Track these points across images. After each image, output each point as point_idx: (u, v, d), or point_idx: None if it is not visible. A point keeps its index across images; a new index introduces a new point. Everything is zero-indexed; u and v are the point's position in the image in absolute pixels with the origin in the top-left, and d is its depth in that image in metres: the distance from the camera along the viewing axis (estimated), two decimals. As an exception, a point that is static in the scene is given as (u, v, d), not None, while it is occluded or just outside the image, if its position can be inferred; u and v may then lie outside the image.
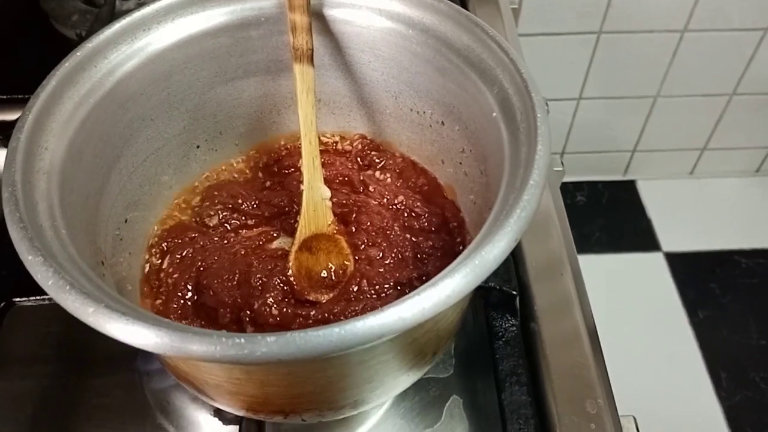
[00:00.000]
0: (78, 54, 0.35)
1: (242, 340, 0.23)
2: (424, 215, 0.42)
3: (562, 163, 0.62)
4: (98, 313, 0.24)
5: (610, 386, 0.41)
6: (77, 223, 0.32)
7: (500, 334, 0.42)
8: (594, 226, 1.62)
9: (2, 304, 0.41)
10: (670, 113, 1.57)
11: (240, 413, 0.34)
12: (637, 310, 1.47)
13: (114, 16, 0.63)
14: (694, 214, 1.66)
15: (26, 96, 0.57)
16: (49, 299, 0.41)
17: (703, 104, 1.55)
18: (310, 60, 0.39)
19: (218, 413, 0.42)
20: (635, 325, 1.43)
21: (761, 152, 1.68)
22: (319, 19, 0.41)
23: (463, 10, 0.38)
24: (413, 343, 0.31)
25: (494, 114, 0.34)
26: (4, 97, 0.58)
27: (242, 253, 0.40)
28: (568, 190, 1.69)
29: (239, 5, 0.40)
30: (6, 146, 0.51)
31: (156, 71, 0.38)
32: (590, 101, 1.54)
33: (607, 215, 1.65)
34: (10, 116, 0.56)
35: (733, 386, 1.35)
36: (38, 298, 0.42)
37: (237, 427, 0.40)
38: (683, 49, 1.43)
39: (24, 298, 0.42)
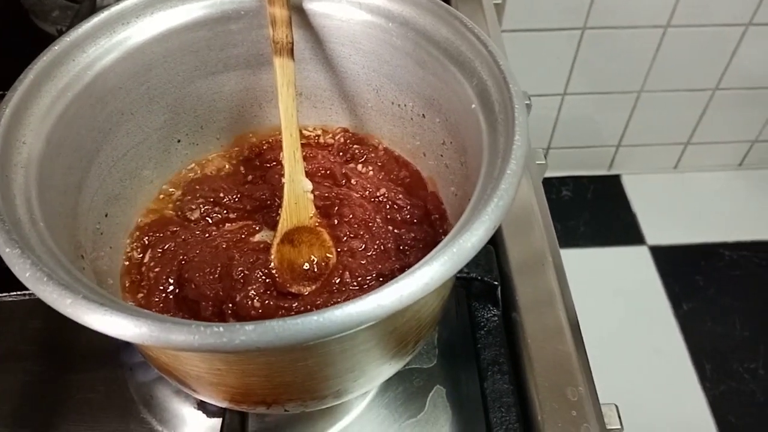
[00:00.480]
0: (56, 48, 0.35)
1: (221, 329, 0.23)
2: (406, 207, 0.42)
3: (545, 156, 0.62)
4: (76, 305, 0.24)
5: (591, 374, 0.41)
6: (56, 216, 0.32)
7: (482, 324, 0.42)
8: (579, 220, 1.64)
9: (-17, 300, 0.41)
10: (654, 108, 1.58)
11: (222, 405, 0.34)
12: (622, 303, 1.48)
13: (95, 11, 0.62)
14: (678, 207, 1.67)
15: (4, 92, 0.57)
16: (30, 294, 0.41)
17: (686, 99, 1.57)
18: (290, 53, 0.39)
19: (201, 406, 0.42)
20: (620, 317, 1.45)
21: (744, 146, 1.70)
22: (299, 12, 0.41)
23: (443, 3, 0.38)
24: (394, 331, 0.31)
25: (473, 105, 0.35)
26: (-16, 93, 0.58)
27: (224, 246, 0.40)
28: (554, 185, 1.71)
29: (219, -2, 0.40)
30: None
31: (135, 65, 0.38)
32: (575, 97, 1.55)
33: (593, 209, 1.67)
34: (-10, 112, 0.55)
35: (718, 377, 1.37)
36: (19, 293, 0.42)
37: (220, 419, 0.40)
38: (666, 45, 1.44)
39: (4, 294, 0.42)
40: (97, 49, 0.36)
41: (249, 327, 0.23)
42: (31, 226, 0.28)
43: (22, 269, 0.25)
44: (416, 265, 0.26)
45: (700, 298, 1.50)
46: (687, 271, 1.54)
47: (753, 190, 1.71)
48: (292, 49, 0.40)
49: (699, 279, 1.53)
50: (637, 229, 1.62)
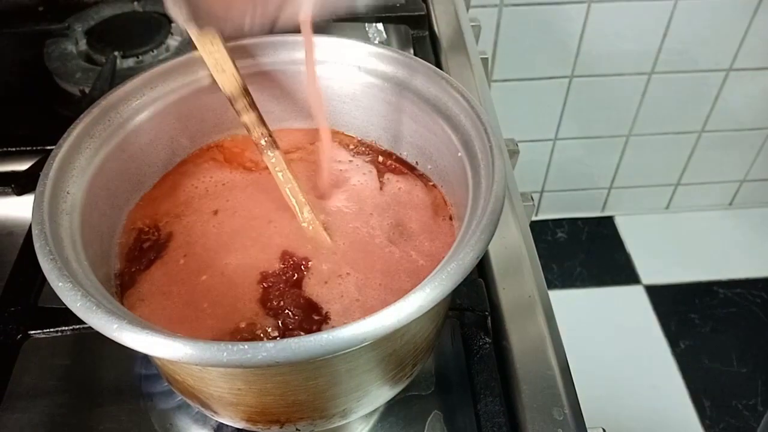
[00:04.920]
0: (94, 110, 0.40)
1: (246, 347, 0.27)
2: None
3: (531, 198, 0.67)
4: (122, 329, 0.28)
5: (577, 397, 0.45)
6: (94, 256, 0.36)
7: (475, 351, 0.46)
8: (575, 261, 1.67)
9: (19, 337, 0.45)
10: (643, 151, 1.63)
11: (240, 425, 0.38)
12: (619, 342, 1.50)
13: (115, 73, 0.68)
14: (671, 247, 1.71)
15: (34, 147, 0.62)
16: (61, 332, 0.45)
17: (674, 142, 1.62)
18: (273, 145, 0.43)
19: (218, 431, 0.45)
20: (618, 356, 1.46)
21: (733, 186, 1.74)
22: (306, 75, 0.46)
23: (432, 66, 0.43)
24: (393, 354, 0.35)
25: (459, 154, 0.40)
26: (14, 149, 0.63)
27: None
28: (549, 228, 1.75)
29: (234, 64, 0.45)
30: (17, 194, 0.56)
31: (161, 123, 0.43)
32: (566, 141, 1.61)
33: (588, 251, 1.70)
34: (20, 166, 0.60)
35: (717, 414, 1.39)
36: (51, 330, 0.46)
37: (236, 444, 0.44)
38: (652, 90, 1.50)
39: (38, 331, 0.45)
40: (128, 110, 0.41)
41: (270, 344, 0.27)
42: (78, 265, 0.33)
43: (73, 300, 0.30)
44: (411, 291, 0.30)
45: (696, 335, 1.52)
46: (682, 310, 1.57)
47: (744, 228, 1.75)
48: (273, 141, 0.43)
49: (695, 317, 1.56)
50: (631, 268, 1.66)
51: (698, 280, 1.63)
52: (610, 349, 1.47)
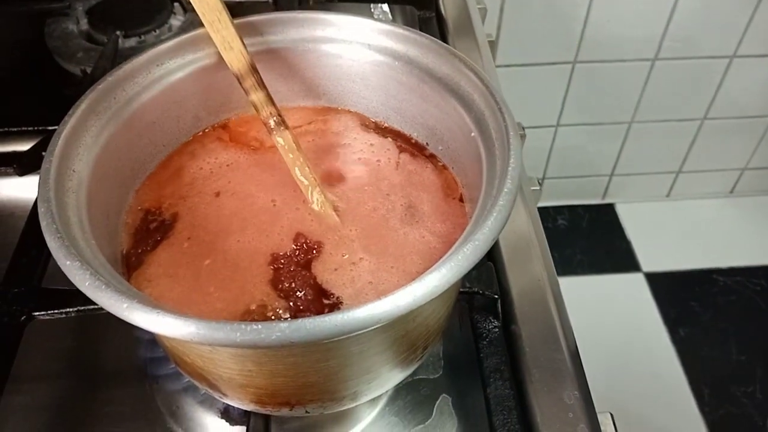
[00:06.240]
0: (99, 87, 0.39)
1: (259, 326, 0.27)
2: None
3: (538, 182, 0.66)
4: (132, 308, 0.28)
5: (586, 381, 0.45)
6: (101, 235, 0.36)
7: (484, 335, 0.46)
8: (575, 248, 1.67)
9: (23, 318, 0.44)
10: (645, 138, 1.63)
11: (249, 407, 0.38)
12: (619, 329, 1.50)
13: (117, 53, 0.67)
14: (672, 234, 1.71)
15: (35, 128, 0.61)
16: (66, 313, 0.44)
17: (676, 129, 1.61)
18: (281, 124, 0.41)
19: (225, 414, 0.45)
20: (618, 344, 1.47)
21: (734, 174, 1.74)
22: (315, 53, 0.45)
23: (443, 43, 0.43)
24: (406, 335, 0.35)
25: (473, 134, 0.39)
26: (15, 129, 0.62)
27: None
28: (550, 214, 1.74)
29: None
30: (19, 174, 0.55)
31: (168, 101, 0.42)
32: (568, 128, 1.60)
33: (588, 238, 1.70)
34: (21, 147, 0.59)
35: (716, 401, 1.39)
36: (56, 312, 0.45)
37: (242, 427, 0.43)
38: (655, 77, 1.50)
39: (43, 312, 0.45)
40: (135, 87, 0.40)
41: (284, 324, 0.27)
42: (85, 244, 0.32)
43: (82, 279, 0.29)
44: (427, 272, 0.29)
45: (696, 323, 1.52)
46: (682, 297, 1.57)
47: (744, 216, 1.75)
48: (282, 120, 0.41)
49: (694, 305, 1.56)
50: (632, 256, 1.66)
51: (698, 267, 1.63)
52: (610, 337, 1.47)
